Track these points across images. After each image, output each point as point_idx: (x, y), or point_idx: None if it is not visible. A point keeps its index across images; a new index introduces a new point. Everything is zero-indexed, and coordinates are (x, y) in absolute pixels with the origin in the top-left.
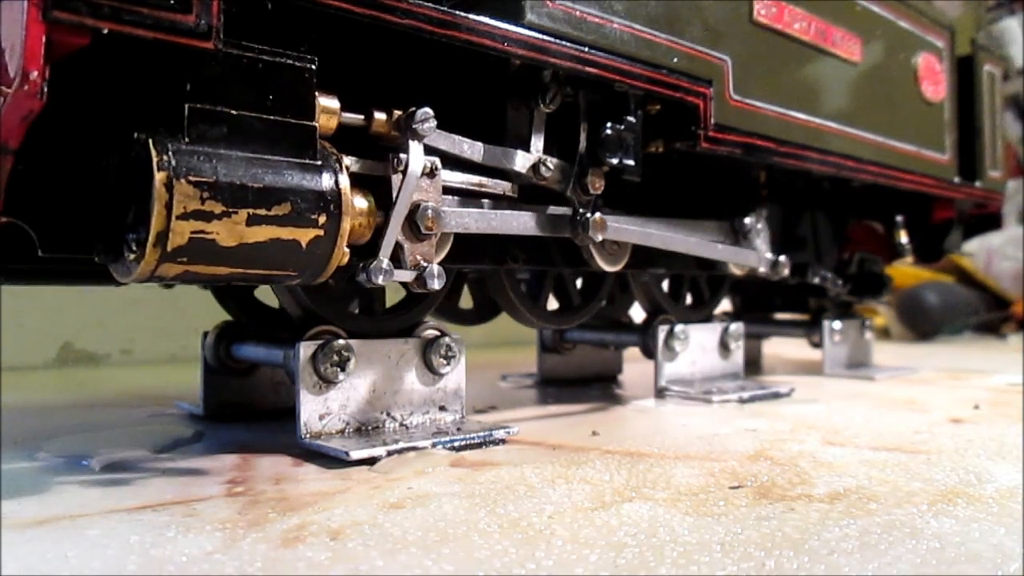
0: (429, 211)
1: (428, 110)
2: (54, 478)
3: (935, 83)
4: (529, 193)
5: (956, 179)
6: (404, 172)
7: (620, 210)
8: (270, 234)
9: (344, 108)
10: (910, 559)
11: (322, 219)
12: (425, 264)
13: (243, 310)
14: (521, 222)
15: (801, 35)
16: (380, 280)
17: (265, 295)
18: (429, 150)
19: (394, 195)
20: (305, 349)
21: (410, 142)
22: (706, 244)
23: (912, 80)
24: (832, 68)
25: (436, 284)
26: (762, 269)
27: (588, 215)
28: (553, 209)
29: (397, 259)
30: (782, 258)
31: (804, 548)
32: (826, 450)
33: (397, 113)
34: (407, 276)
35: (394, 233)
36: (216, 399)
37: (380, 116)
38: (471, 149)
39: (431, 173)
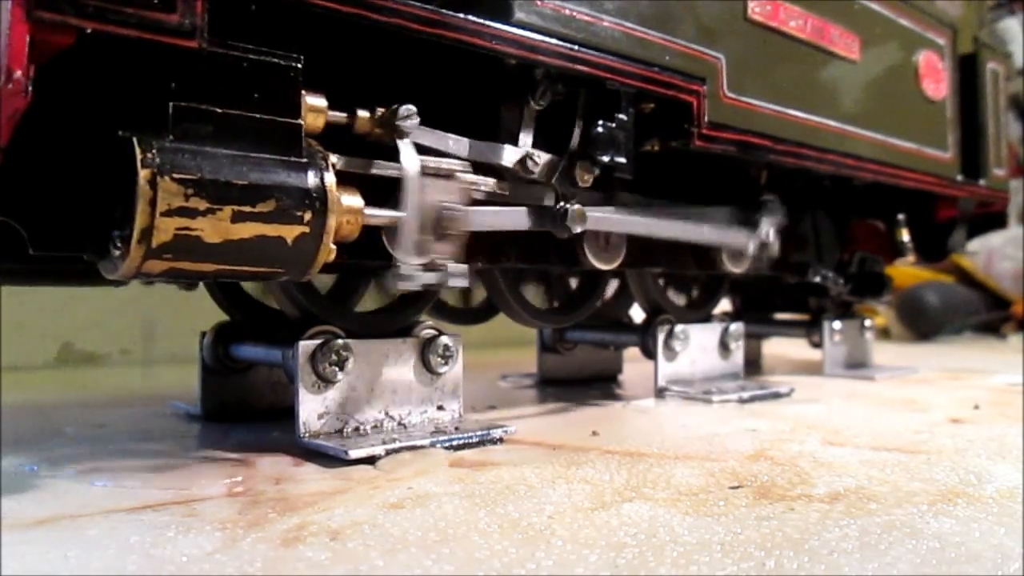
0: (449, 211)
1: (411, 107)
2: (54, 478)
3: (936, 81)
4: (526, 192)
5: (959, 177)
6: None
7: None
8: (255, 231)
9: (333, 107)
10: (910, 559)
11: (307, 216)
12: (446, 263)
13: (241, 310)
14: (512, 218)
15: (797, 33)
16: (409, 285)
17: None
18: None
19: (403, 197)
20: (304, 349)
21: (399, 143)
22: (693, 227)
23: (913, 78)
24: (830, 66)
25: (459, 282)
26: (751, 246)
27: (568, 206)
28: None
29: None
30: (772, 237)
31: (804, 548)
32: (826, 450)
33: (380, 110)
34: (431, 277)
35: (409, 235)
36: (214, 399)
37: (363, 114)
38: (456, 145)
39: (450, 175)
